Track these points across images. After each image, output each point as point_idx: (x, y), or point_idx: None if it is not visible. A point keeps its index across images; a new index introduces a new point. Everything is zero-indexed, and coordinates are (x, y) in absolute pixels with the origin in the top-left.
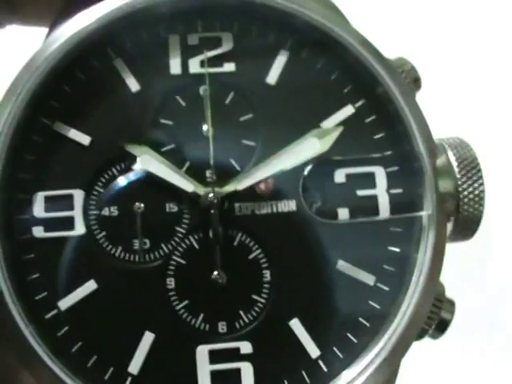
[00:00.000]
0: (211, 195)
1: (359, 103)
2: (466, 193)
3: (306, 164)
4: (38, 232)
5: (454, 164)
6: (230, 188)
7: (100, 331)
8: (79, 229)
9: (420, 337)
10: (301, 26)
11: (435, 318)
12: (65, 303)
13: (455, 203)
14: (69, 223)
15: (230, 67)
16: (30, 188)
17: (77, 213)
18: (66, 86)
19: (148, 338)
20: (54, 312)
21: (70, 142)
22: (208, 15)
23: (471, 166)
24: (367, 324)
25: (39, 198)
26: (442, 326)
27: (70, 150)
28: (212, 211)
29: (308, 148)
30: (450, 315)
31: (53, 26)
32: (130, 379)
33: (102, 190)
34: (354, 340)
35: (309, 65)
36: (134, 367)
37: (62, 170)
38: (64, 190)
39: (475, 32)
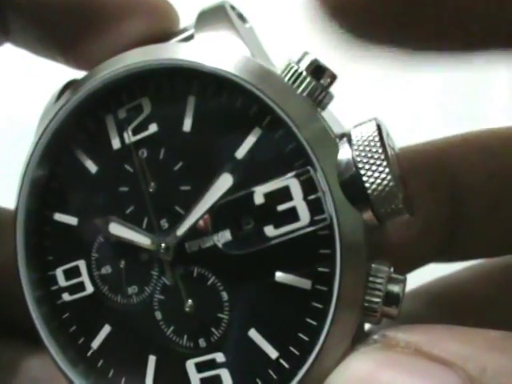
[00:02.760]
0: (163, 245)
1: (265, 121)
2: (374, 186)
3: (226, 196)
4: (67, 296)
5: (358, 164)
6: (173, 235)
7: (122, 358)
8: (89, 289)
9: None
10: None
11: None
12: (96, 343)
13: (365, 201)
14: (82, 286)
15: (153, 128)
16: (53, 266)
17: (84, 277)
18: (53, 182)
19: (152, 359)
20: (91, 350)
21: (67, 225)
22: (128, 86)
23: (374, 161)
24: (313, 322)
25: (59, 272)
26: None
27: (67, 231)
28: (164, 259)
29: (222, 184)
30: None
31: None
32: None
33: (96, 255)
34: (306, 338)
35: (214, 101)
36: (149, 381)
37: (67, 247)
38: (73, 263)
39: None
